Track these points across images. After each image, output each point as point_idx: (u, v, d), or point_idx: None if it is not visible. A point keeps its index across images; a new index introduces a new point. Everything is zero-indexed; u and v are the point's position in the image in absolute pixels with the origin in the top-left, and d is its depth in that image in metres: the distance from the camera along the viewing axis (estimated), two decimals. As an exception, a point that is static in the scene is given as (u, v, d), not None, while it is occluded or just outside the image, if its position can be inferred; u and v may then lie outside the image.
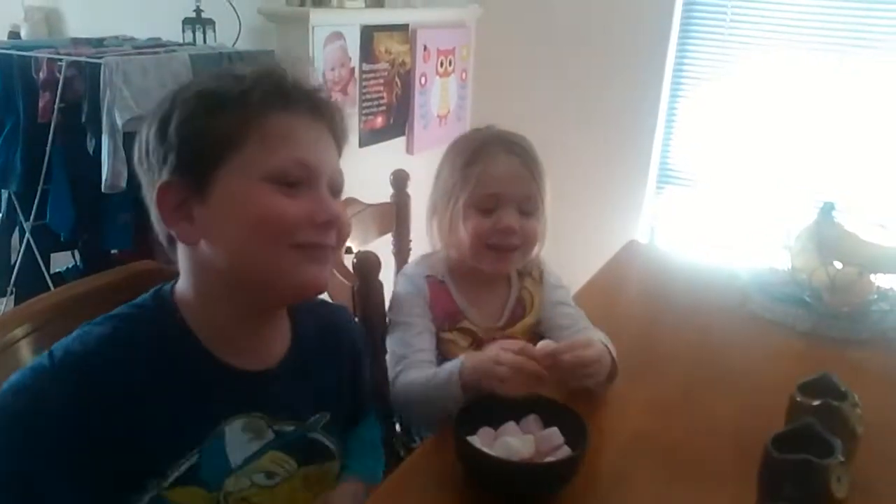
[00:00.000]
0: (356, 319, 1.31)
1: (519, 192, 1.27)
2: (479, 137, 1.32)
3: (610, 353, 1.19)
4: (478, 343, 1.31)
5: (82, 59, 2.38)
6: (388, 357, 1.29)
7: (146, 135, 0.89)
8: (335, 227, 0.91)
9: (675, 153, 3.05)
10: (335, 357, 1.07)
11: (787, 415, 1.06)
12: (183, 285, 0.91)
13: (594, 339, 1.16)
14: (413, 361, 1.23)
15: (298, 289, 0.91)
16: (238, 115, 0.86)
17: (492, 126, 1.37)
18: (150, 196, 0.89)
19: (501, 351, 1.06)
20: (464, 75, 3.16)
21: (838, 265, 1.57)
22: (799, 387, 1.07)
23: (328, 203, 0.89)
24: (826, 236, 1.57)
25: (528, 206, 1.29)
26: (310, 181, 0.88)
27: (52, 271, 2.70)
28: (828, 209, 1.61)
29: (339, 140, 0.95)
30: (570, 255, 2.41)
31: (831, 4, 2.66)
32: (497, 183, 1.27)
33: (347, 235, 0.95)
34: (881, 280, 1.57)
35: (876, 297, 1.53)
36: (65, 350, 0.82)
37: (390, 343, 1.29)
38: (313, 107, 0.91)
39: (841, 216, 1.63)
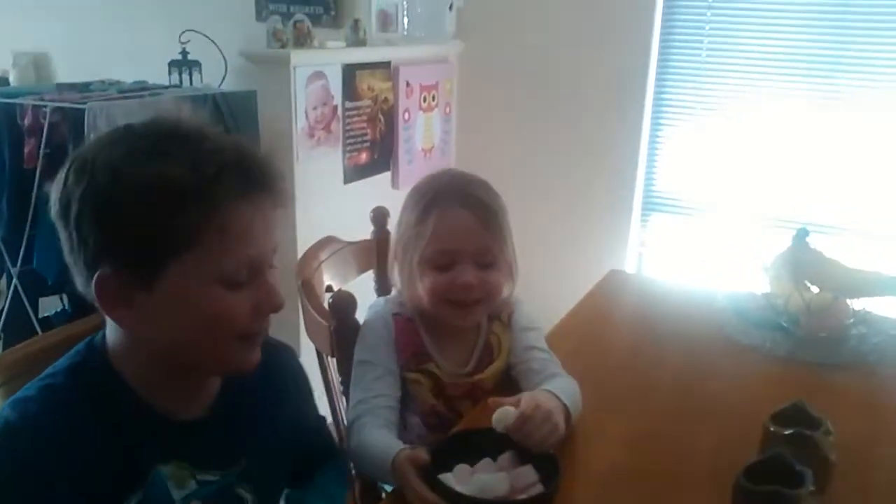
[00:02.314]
0: (330, 357, 1.32)
1: (473, 247, 1.24)
2: (433, 188, 1.28)
3: (563, 404, 1.15)
4: (440, 387, 1.29)
5: (66, 104, 2.41)
6: (350, 394, 1.28)
7: (76, 215, 0.81)
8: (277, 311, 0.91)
9: (660, 181, 3.07)
10: (274, 399, 1.05)
11: (761, 444, 1.07)
12: (113, 340, 0.90)
13: (539, 400, 1.10)
14: (371, 408, 1.21)
15: (234, 371, 0.93)
16: (197, 214, 0.80)
17: (448, 171, 1.34)
18: (81, 279, 0.85)
19: (426, 499, 0.99)
20: (447, 109, 3.19)
21: (814, 289, 1.58)
22: (772, 416, 1.07)
23: (274, 294, 0.89)
24: (801, 261, 1.58)
25: (486, 258, 1.25)
26: (256, 272, 0.88)
27: (40, 316, 2.70)
28: (802, 234, 1.63)
29: (284, 204, 0.91)
30: (557, 285, 2.43)
31: (803, 35, 2.70)
32: (450, 239, 1.24)
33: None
34: (858, 304, 1.58)
35: (853, 321, 1.54)
36: (17, 410, 0.84)
37: (352, 381, 1.28)
38: (269, 188, 0.87)
39: (816, 241, 1.65)
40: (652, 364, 1.52)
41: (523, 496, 0.98)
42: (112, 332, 0.90)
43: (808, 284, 1.60)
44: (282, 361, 1.09)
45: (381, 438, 1.17)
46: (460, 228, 1.24)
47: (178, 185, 0.79)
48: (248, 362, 0.92)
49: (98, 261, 0.82)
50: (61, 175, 0.83)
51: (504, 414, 1.05)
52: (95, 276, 0.82)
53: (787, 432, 1.02)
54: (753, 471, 0.93)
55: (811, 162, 2.77)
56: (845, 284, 1.56)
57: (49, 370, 0.89)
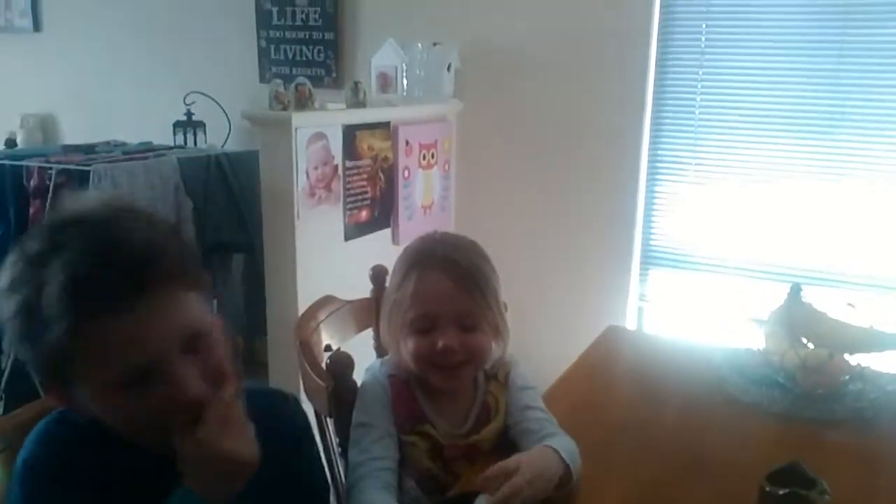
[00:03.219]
0: (328, 417, 1.31)
1: (452, 310, 1.24)
2: (417, 250, 1.30)
3: (563, 459, 1.17)
4: (438, 449, 1.29)
5: (71, 166, 2.46)
6: (349, 457, 1.27)
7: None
8: (200, 400, 0.86)
9: (658, 235, 3.10)
10: (269, 447, 1.00)
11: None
12: None
13: (520, 465, 1.10)
14: (370, 471, 1.21)
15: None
16: (54, 335, 0.79)
17: (435, 234, 1.35)
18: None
19: None
20: (446, 167, 3.24)
21: (810, 346, 1.59)
22: (767, 476, 1.08)
23: (183, 387, 0.85)
24: (795, 317, 1.60)
25: (467, 321, 1.25)
26: (156, 370, 0.84)
27: (41, 376, 2.71)
28: (796, 290, 1.64)
29: (189, 282, 0.88)
30: (556, 341, 2.44)
31: (795, 92, 2.76)
32: (428, 303, 1.24)
33: (223, 375, 0.90)
34: (854, 359, 1.58)
35: (849, 377, 1.54)
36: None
37: (350, 444, 1.28)
38: (140, 283, 0.82)
39: (813, 295, 1.67)
40: (650, 422, 1.52)
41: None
42: None
43: (804, 341, 1.61)
44: (278, 406, 1.09)
45: (380, 501, 1.17)
46: (438, 292, 1.24)
47: (33, 311, 0.80)
48: (176, 440, 0.87)
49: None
50: None
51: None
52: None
53: (782, 492, 1.03)
54: (749, 532, 0.93)
55: (807, 216, 2.81)
56: (840, 340, 1.57)
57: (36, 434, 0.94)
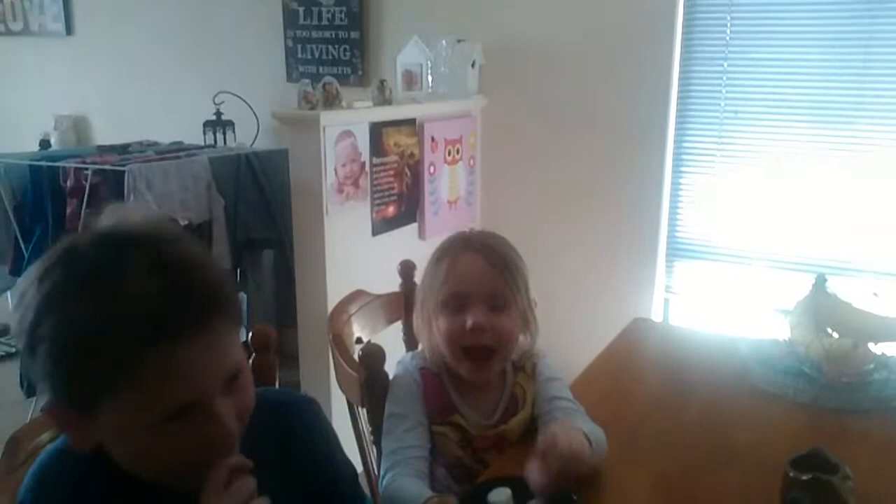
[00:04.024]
0: (361, 408, 1.34)
1: (484, 289, 1.29)
2: (451, 240, 1.37)
3: (587, 437, 1.19)
4: (468, 439, 1.33)
5: (107, 167, 2.53)
6: (382, 446, 1.32)
7: (19, 328, 0.80)
8: (233, 435, 0.84)
9: (684, 227, 3.11)
10: (290, 458, 1.02)
11: (781, 490, 1.09)
12: None
13: (555, 436, 1.14)
14: (403, 459, 1.26)
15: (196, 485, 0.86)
16: (110, 359, 0.75)
17: (470, 229, 1.41)
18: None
19: None
20: (472, 162, 3.27)
21: (835, 335, 1.60)
22: (791, 462, 1.09)
23: (222, 425, 0.83)
24: (821, 307, 1.61)
25: (497, 301, 1.30)
26: (197, 406, 0.81)
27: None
28: (821, 281, 1.65)
29: (235, 321, 0.86)
30: (582, 333, 2.46)
31: (820, 81, 2.76)
32: (461, 281, 1.30)
33: (249, 413, 0.89)
34: (879, 349, 1.59)
35: (874, 366, 1.55)
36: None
37: (384, 433, 1.32)
38: (206, 316, 0.80)
39: (836, 287, 1.67)
40: (676, 412, 1.54)
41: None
42: None
43: (829, 331, 1.62)
44: (288, 403, 1.07)
45: (412, 487, 1.21)
46: (471, 271, 1.30)
47: (90, 328, 0.75)
48: (203, 481, 0.84)
49: (42, 386, 0.82)
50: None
51: (500, 494, 1.09)
52: (43, 408, 0.84)
53: (805, 477, 1.05)
54: (772, 516, 0.96)
55: (832, 206, 2.80)
56: (865, 330, 1.58)
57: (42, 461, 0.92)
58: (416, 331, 1.41)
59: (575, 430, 1.18)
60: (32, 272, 0.80)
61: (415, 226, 3.03)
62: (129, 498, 0.88)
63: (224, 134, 3.38)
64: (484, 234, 1.39)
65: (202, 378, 0.81)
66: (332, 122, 2.51)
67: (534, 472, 1.12)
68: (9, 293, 3.15)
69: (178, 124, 3.59)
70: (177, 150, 3.01)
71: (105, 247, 0.79)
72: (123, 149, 3.08)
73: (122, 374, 0.76)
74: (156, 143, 3.30)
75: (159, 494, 0.87)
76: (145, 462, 0.84)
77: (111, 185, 2.49)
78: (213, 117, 3.38)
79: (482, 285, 1.30)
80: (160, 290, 0.76)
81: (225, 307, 0.83)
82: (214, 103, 3.39)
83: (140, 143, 3.25)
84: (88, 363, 0.76)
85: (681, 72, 2.96)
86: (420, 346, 1.44)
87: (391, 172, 2.83)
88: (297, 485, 1.00)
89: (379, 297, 1.78)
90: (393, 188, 2.86)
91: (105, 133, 4.11)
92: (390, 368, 1.40)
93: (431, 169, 3.02)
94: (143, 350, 0.75)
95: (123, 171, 2.42)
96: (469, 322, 1.28)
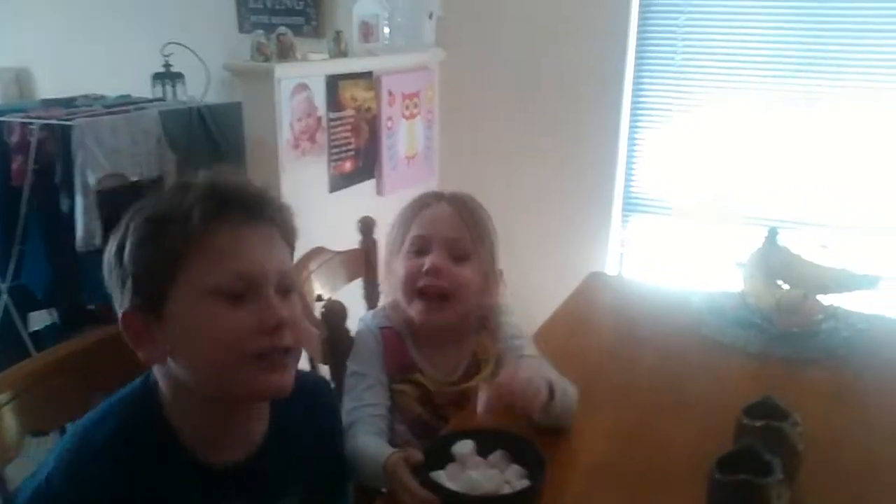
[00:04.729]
0: (322, 364, 1.36)
1: (447, 235, 1.31)
2: (425, 193, 1.40)
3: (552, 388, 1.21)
4: (427, 396, 1.34)
5: (53, 121, 2.44)
6: (343, 403, 1.32)
7: (107, 258, 0.92)
8: (287, 329, 0.92)
9: (639, 182, 3.15)
10: (315, 434, 1.10)
11: (734, 436, 1.13)
12: (161, 388, 0.95)
13: (524, 365, 1.19)
14: (362, 417, 1.27)
15: (261, 397, 0.97)
16: (179, 235, 0.88)
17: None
18: (118, 317, 0.93)
19: (418, 495, 1.03)
20: (429, 116, 3.25)
21: (786, 287, 1.65)
22: (744, 409, 1.13)
23: (275, 309, 0.91)
24: (772, 260, 1.65)
25: (459, 251, 1.31)
26: (255, 289, 0.91)
27: (30, 330, 2.73)
28: (773, 234, 1.69)
29: (288, 237, 0.99)
30: (540, 287, 2.49)
31: (775, 36, 2.79)
32: (427, 225, 1.33)
33: (302, 332, 0.97)
34: (828, 300, 1.65)
35: (822, 317, 1.60)
36: (63, 474, 0.88)
37: (345, 391, 1.33)
38: (256, 213, 0.93)
39: (787, 240, 1.72)
40: (632, 363, 1.58)
41: (510, 491, 1.03)
42: (158, 378, 0.95)
43: (780, 283, 1.67)
44: (322, 395, 1.17)
45: (373, 444, 1.21)
46: (438, 216, 1.33)
47: (162, 213, 0.90)
48: (273, 386, 0.93)
49: (124, 300, 0.91)
50: None
51: (463, 446, 1.10)
52: (120, 315, 0.91)
53: (757, 424, 1.08)
54: (726, 462, 0.99)
55: (786, 159, 2.86)
56: (814, 281, 1.63)
57: (99, 413, 0.94)
58: (381, 286, 1.42)
59: (539, 375, 1.18)
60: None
61: (372, 182, 3.00)
62: (185, 472, 0.93)
63: (174, 87, 3.27)
64: (460, 193, 1.39)
65: (262, 259, 0.92)
66: (286, 74, 2.46)
67: (483, 397, 1.14)
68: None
69: (125, 77, 3.47)
70: (125, 104, 2.91)
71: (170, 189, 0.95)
72: (69, 102, 2.97)
73: (192, 245, 0.88)
74: (102, 97, 3.18)
75: (211, 467, 0.94)
76: (205, 354, 0.89)
77: (58, 140, 2.41)
78: (162, 69, 3.27)
79: (446, 230, 1.31)
80: (219, 189, 0.92)
81: (277, 216, 0.96)
82: (163, 55, 3.27)
83: (86, 97, 3.14)
84: (164, 238, 0.87)
85: (638, 25, 2.97)
86: (381, 303, 1.44)
87: (348, 127, 2.79)
88: (321, 452, 1.10)
89: (339, 253, 1.77)
90: (350, 143, 2.82)
91: (48, 86, 3.96)
92: (352, 325, 1.40)
93: (389, 124, 2.99)
94: (209, 226, 0.88)
95: (71, 126, 2.34)
96: (427, 264, 1.29)
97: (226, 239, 0.90)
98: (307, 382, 1.11)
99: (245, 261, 0.91)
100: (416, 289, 1.31)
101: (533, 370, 1.18)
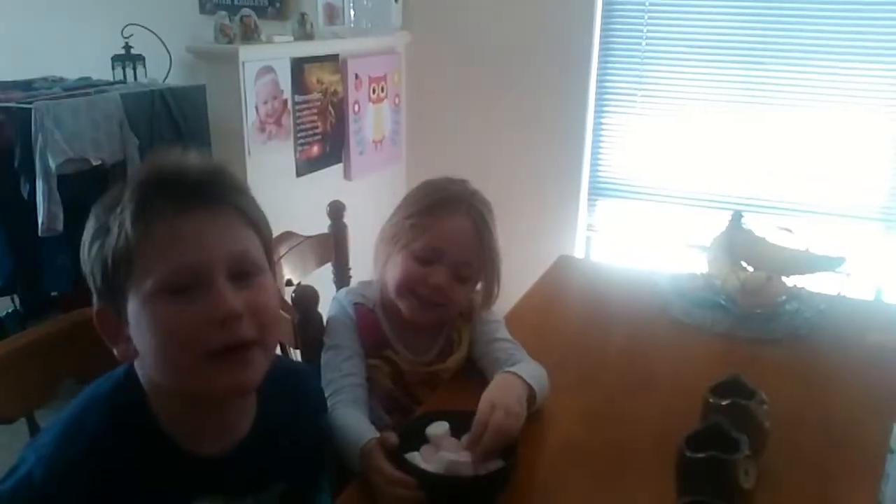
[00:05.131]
0: (294, 349, 1.35)
1: (459, 257, 1.31)
2: (446, 189, 1.37)
3: (525, 380, 1.22)
4: (398, 374, 1.35)
5: (11, 104, 2.38)
6: (322, 377, 1.32)
7: (81, 252, 0.91)
8: (243, 320, 0.86)
9: (606, 166, 3.17)
10: (301, 423, 1.09)
11: (702, 414, 1.15)
12: (139, 376, 0.93)
13: (494, 404, 1.12)
14: (341, 387, 1.26)
15: (223, 395, 0.92)
16: (117, 239, 0.84)
17: (460, 180, 1.40)
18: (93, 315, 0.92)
19: (392, 477, 1.04)
20: (396, 100, 3.23)
21: (750, 269, 1.68)
22: (710, 388, 1.15)
23: (223, 298, 0.85)
24: (736, 243, 1.68)
25: (465, 271, 1.32)
26: (201, 280, 0.85)
27: (-9, 317, 2.68)
28: (737, 217, 1.72)
29: (246, 218, 0.92)
30: (509, 271, 2.49)
31: (738, 23, 2.83)
32: (445, 239, 1.31)
33: (271, 321, 0.92)
34: (791, 281, 1.68)
35: (786, 297, 1.64)
36: (47, 467, 0.86)
37: (322, 365, 1.32)
38: (199, 197, 0.87)
39: (750, 223, 1.75)
40: (600, 344, 1.60)
41: (485, 472, 1.04)
42: (137, 371, 0.92)
43: (744, 264, 1.70)
44: (307, 385, 1.16)
45: (354, 422, 1.20)
46: (458, 234, 1.31)
47: (101, 222, 0.87)
48: (234, 384, 0.89)
49: (94, 297, 0.90)
50: None
51: (438, 427, 1.11)
52: (94, 311, 0.89)
53: (724, 403, 1.10)
54: (694, 439, 1.01)
55: (746, 145, 2.90)
56: (778, 263, 1.66)
57: (81, 405, 0.92)
58: (374, 256, 1.40)
59: (513, 397, 1.17)
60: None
61: (340, 166, 2.98)
62: (170, 462, 0.91)
63: (134, 69, 3.21)
64: (477, 197, 1.38)
65: (205, 248, 0.86)
66: (251, 56, 2.43)
67: (470, 444, 1.10)
68: None
69: (85, 59, 3.39)
70: (85, 87, 2.85)
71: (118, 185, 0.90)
72: (28, 85, 2.91)
73: (133, 247, 0.84)
74: (62, 80, 3.11)
75: (198, 456, 0.92)
76: (160, 354, 0.86)
77: (17, 123, 2.35)
78: (122, 51, 3.21)
79: (460, 252, 1.31)
80: (153, 180, 0.87)
81: (229, 196, 0.90)
82: (123, 36, 3.21)
83: (45, 79, 3.07)
84: (106, 242, 0.85)
85: (604, 9, 2.98)
86: (352, 284, 1.43)
87: (314, 111, 2.77)
88: (305, 442, 1.08)
89: (308, 238, 1.76)
90: (317, 127, 2.80)
91: (5, 68, 3.84)
92: (323, 310, 1.40)
93: (356, 107, 2.97)
94: (143, 223, 0.84)
95: (30, 109, 2.29)
96: (432, 281, 1.29)
97: (168, 230, 0.85)
98: (290, 371, 1.10)
99: (189, 251, 0.85)
100: (413, 292, 1.31)
101: (507, 395, 1.16)
